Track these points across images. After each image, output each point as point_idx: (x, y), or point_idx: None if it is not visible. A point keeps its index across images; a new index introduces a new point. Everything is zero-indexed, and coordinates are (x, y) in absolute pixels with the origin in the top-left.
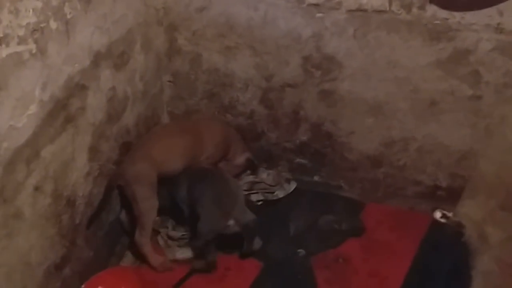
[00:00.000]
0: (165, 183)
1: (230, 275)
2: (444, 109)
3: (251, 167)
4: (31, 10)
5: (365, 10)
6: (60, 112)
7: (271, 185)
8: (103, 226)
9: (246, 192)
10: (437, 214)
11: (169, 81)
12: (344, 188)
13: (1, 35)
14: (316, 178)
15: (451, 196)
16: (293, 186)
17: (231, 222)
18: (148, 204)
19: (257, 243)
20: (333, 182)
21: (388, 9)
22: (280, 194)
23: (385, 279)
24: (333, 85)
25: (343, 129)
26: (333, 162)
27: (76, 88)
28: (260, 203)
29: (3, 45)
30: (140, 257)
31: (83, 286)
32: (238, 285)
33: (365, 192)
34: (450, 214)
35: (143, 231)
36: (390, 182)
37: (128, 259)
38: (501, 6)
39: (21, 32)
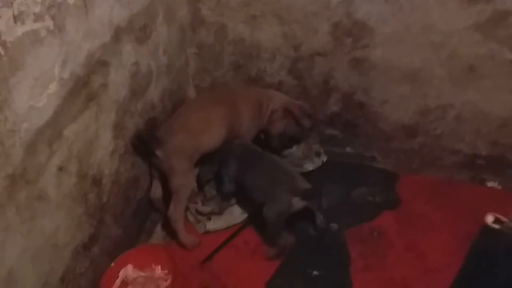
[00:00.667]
0: (212, 159)
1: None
2: (483, 75)
3: (290, 116)
4: None
5: None
6: (82, 90)
7: (299, 158)
8: (131, 203)
9: None
10: (489, 219)
11: (194, 54)
12: (378, 159)
13: (16, 13)
14: (348, 149)
15: (491, 165)
16: (323, 159)
17: (295, 199)
18: (185, 178)
19: (322, 223)
20: (366, 153)
21: None
22: (309, 167)
23: (422, 253)
24: (365, 53)
25: (376, 98)
26: (366, 133)
27: (97, 64)
28: None
29: (19, 23)
30: (171, 233)
31: (112, 264)
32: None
33: (400, 163)
34: (505, 219)
35: (178, 205)
36: (426, 152)
37: (157, 235)
38: None
39: (36, 9)
